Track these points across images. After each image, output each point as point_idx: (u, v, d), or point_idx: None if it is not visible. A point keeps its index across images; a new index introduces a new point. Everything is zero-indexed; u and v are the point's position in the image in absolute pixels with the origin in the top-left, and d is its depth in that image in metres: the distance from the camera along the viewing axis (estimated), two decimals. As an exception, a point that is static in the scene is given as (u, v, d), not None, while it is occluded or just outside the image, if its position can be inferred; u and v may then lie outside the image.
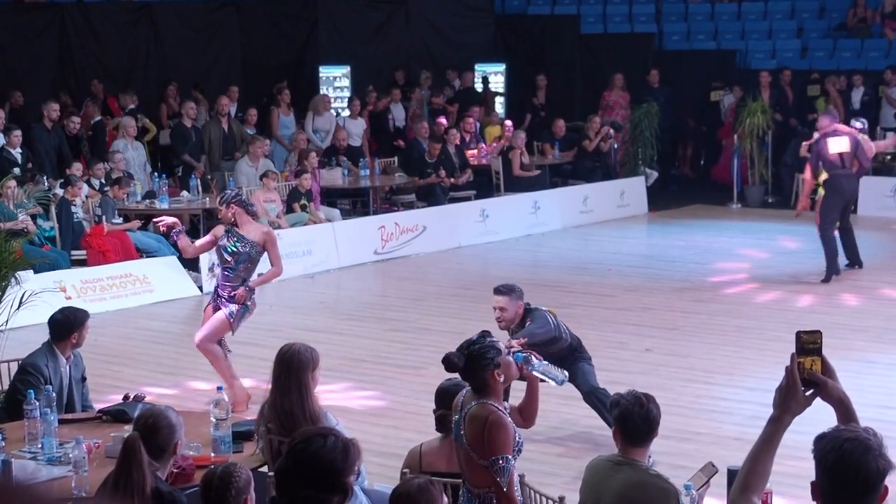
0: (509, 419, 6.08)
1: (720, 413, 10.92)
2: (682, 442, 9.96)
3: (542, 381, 6.66)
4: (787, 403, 3.98)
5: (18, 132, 17.41)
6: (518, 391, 7.32)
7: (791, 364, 3.96)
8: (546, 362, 6.61)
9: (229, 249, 10.96)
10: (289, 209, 17.95)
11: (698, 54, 26.15)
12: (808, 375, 3.96)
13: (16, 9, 23.55)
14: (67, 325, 8.85)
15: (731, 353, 12.89)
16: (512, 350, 6.54)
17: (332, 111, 22.35)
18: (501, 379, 6.12)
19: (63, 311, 9.05)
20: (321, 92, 23.75)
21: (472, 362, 6.10)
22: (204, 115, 21.05)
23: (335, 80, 24.83)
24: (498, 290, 9.99)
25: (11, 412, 8.38)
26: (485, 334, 6.28)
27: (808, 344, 3.97)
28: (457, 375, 6.44)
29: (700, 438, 10.20)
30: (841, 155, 16.08)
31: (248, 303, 11.18)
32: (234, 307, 11.04)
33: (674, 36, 27.41)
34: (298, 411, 7.02)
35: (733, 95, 23.95)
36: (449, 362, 6.17)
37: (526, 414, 6.70)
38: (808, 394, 3.97)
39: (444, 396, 6.89)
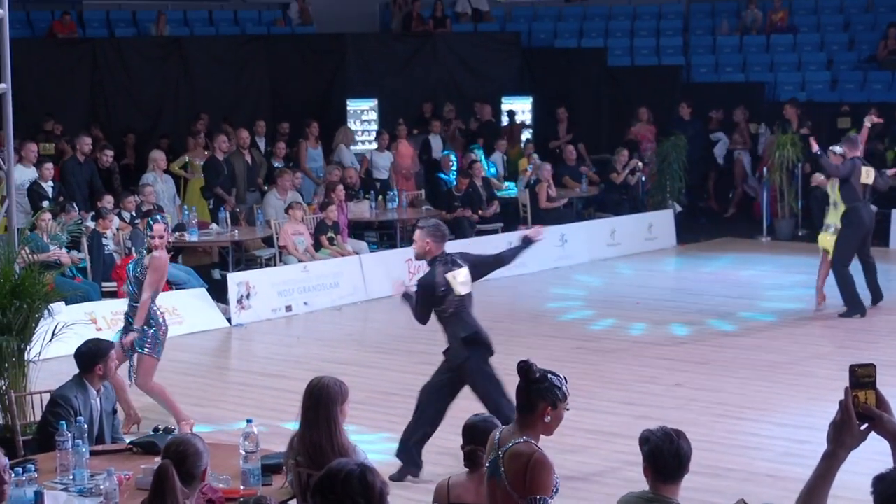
0: (551, 461, 6.05)
1: (752, 449, 10.85)
2: (714, 478, 9.90)
3: None
4: (843, 438, 3.94)
5: (50, 165, 17.53)
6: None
7: (846, 398, 3.91)
8: None
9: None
10: (316, 242, 18.01)
11: (726, 86, 26.14)
12: (862, 409, 3.90)
13: (49, 43, 23.75)
14: (91, 356, 8.90)
15: (763, 388, 12.83)
16: None
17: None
18: (547, 420, 6.07)
19: (87, 342, 9.10)
20: (349, 125, 23.87)
21: (540, 383, 6.06)
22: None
23: (363, 114, 24.92)
24: (418, 226, 10.49)
25: (43, 443, 8.42)
26: (565, 378, 6.24)
27: (863, 377, 3.93)
28: (484, 411, 6.42)
29: (732, 475, 10.14)
30: (864, 186, 15.83)
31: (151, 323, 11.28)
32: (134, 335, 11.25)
33: (702, 68, 27.42)
34: (327, 444, 7.03)
35: (771, 129, 23.77)
36: (526, 366, 6.10)
37: None
38: (862, 428, 3.93)
39: (473, 432, 6.88)
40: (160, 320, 11.44)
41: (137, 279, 11.34)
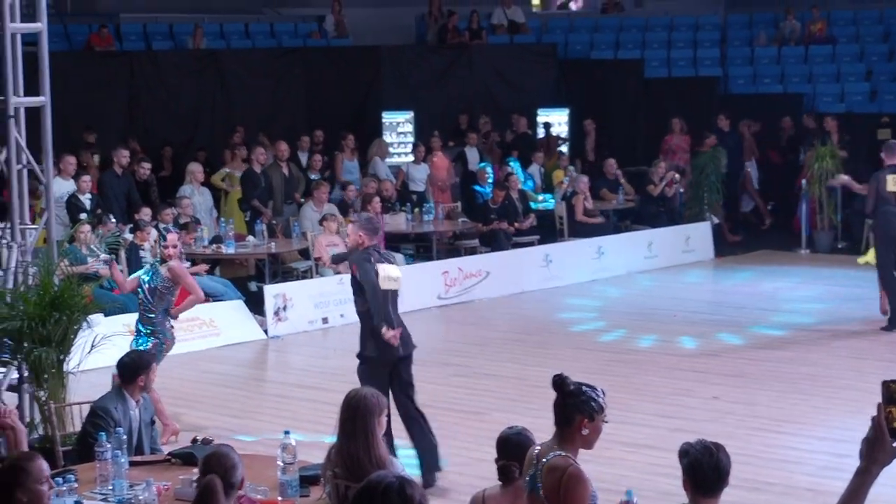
0: (587, 475, 6.04)
1: (791, 463, 10.80)
2: (754, 492, 9.87)
3: None
4: (875, 454, 3.91)
5: (88, 178, 17.63)
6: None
7: (878, 414, 3.89)
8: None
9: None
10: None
11: (764, 98, 26.05)
12: None
13: (87, 57, 23.89)
14: (134, 367, 8.95)
15: (800, 402, 12.77)
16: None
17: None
18: (585, 433, 6.06)
19: (130, 354, 9.16)
20: (385, 137, 23.93)
21: (575, 396, 6.05)
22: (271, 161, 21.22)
23: (398, 126, 24.96)
24: (351, 219, 10.99)
25: (83, 454, 8.47)
26: (602, 390, 6.23)
27: None
28: (518, 424, 6.41)
29: (772, 489, 10.10)
30: (893, 194, 15.70)
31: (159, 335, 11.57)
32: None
33: (739, 80, 27.34)
34: (364, 456, 7.03)
35: (810, 142, 23.61)
36: (560, 380, 6.10)
37: None
38: (895, 444, 3.90)
39: (507, 446, 6.87)
40: (168, 335, 11.76)
41: (154, 290, 11.47)
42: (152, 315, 11.58)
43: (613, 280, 20.15)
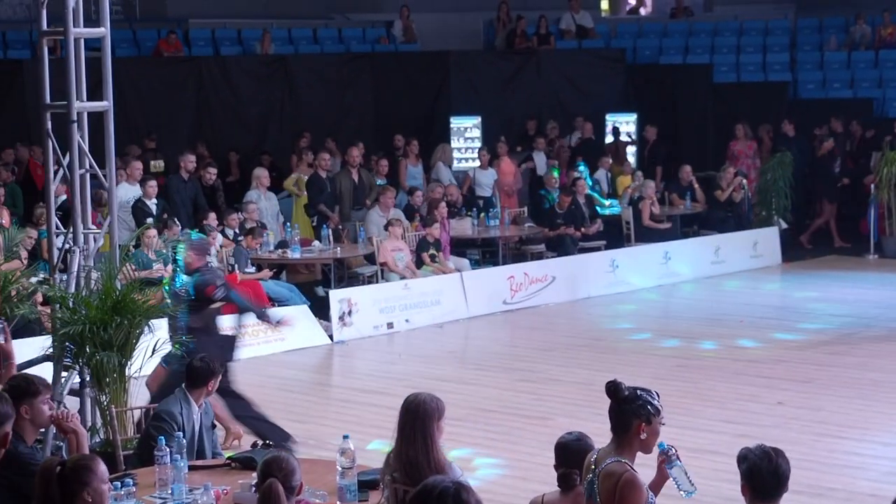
0: (642, 480, 5.98)
1: (854, 468, 10.66)
2: (815, 498, 9.75)
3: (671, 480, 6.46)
4: None
5: (154, 182, 17.73)
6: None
7: None
8: (683, 469, 6.37)
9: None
10: (418, 259, 18.04)
11: (834, 103, 25.77)
12: None
13: (155, 62, 24.06)
14: (205, 372, 8.98)
15: (865, 408, 12.60)
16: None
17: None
18: (643, 437, 6.00)
19: (202, 359, 9.17)
20: (451, 142, 23.91)
21: (631, 401, 6.00)
22: (337, 166, 21.26)
23: (466, 131, 24.93)
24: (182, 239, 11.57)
25: (144, 458, 8.48)
26: (656, 392, 6.17)
27: None
28: (584, 429, 6.36)
29: (833, 494, 9.97)
30: None
31: None
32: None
33: (809, 84, 27.05)
34: (423, 460, 7.01)
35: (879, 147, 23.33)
36: (614, 386, 6.06)
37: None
38: None
39: (566, 452, 6.81)
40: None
41: (176, 294, 11.42)
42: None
43: (680, 285, 20.00)
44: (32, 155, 19.79)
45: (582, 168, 23.00)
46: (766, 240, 21.88)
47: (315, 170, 20.04)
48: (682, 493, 6.29)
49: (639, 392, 6.03)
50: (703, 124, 26.56)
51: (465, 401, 12.78)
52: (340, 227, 19.27)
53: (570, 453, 6.61)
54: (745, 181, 22.44)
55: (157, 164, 20.76)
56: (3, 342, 8.23)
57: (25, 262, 13.39)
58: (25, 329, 12.72)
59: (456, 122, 24.93)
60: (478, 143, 24.50)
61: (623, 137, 25.59)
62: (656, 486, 6.41)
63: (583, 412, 12.10)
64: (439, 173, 22.10)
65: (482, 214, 20.63)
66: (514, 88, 26.17)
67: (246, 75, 24.30)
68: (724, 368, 14.39)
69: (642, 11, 33.52)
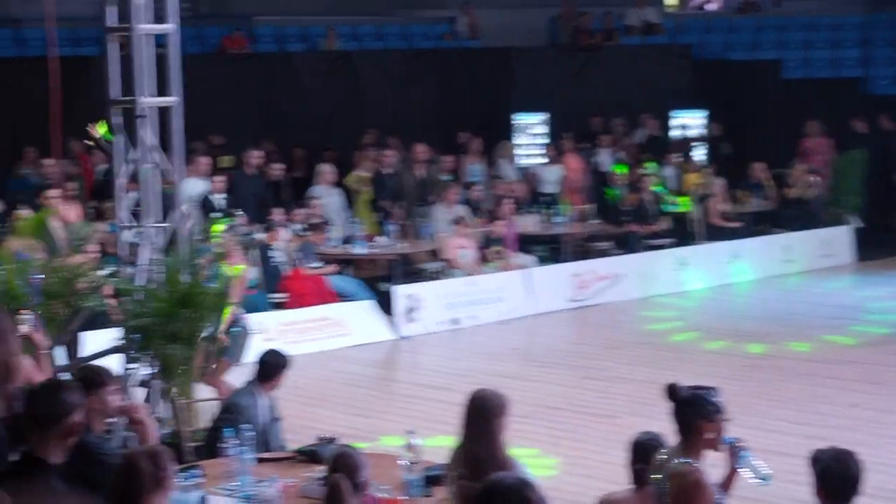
0: (710, 481, 5.92)
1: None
2: (890, 502, 9.61)
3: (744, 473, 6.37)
4: None
5: (221, 178, 17.79)
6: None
7: None
8: (753, 458, 6.28)
9: None
10: (483, 255, 17.99)
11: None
12: None
13: (221, 59, 24.17)
14: (275, 366, 9.04)
15: (941, 410, 12.44)
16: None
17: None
18: (708, 436, 5.95)
19: (272, 352, 9.23)
20: (514, 139, 23.85)
21: (693, 402, 5.95)
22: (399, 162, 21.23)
23: (530, 128, 24.86)
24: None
25: (213, 449, 8.51)
26: (715, 389, 6.11)
27: None
28: (649, 428, 6.32)
29: (906, 498, 9.85)
30: None
31: None
32: None
33: (882, 80, 26.70)
34: (487, 457, 6.97)
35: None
36: (672, 389, 6.01)
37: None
38: None
39: (643, 450, 6.77)
40: None
41: None
42: None
43: (748, 284, 19.81)
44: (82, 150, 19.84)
45: (650, 165, 22.85)
46: (838, 238, 21.63)
47: (378, 166, 20.04)
48: (757, 481, 6.23)
49: (698, 392, 5.98)
50: (772, 121, 26.29)
51: (530, 398, 12.72)
52: (404, 222, 19.26)
53: (647, 451, 6.55)
54: (815, 178, 22.18)
55: (227, 160, 20.84)
56: (34, 333, 8.26)
57: (96, 256, 13.44)
58: (94, 321, 12.80)
59: (519, 119, 24.85)
60: (542, 140, 24.41)
61: (690, 134, 25.39)
62: (727, 482, 6.34)
63: (648, 410, 11.97)
64: (501, 170, 22.04)
65: (548, 211, 20.54)
66: (578, 85, 26.05)
67: (311, 72, 24.35)
68: (795, 369, 14.25)
69: (709, 7, 33.26)
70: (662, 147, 24.24)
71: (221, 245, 11.64)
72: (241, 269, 12.67)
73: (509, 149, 22.79)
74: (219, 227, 12.04)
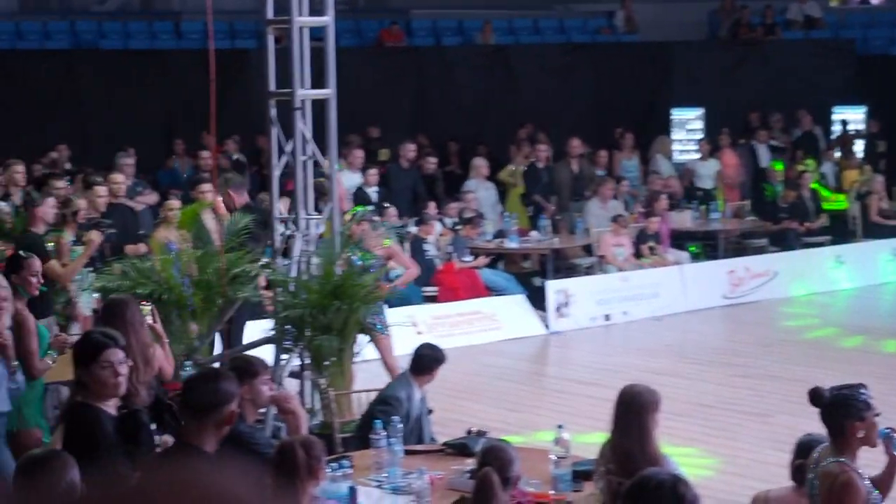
0: (862, 482, 5.81)
1: None
2: None
3: None
4: None
5: (374, 171, 17.91)
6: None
7: None
8: None
9: None
10: (637, 251, 17.86)
11: None
12: None
13: (377, 52, 24.35)
14: (432, 360, 9.09)
15: None
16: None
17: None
18: (861, 435, 5.84)
19: (429, 346, 9.28)
20: (671, 134, 23.63)
21: (838, 404, 5.85)
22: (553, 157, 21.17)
23: (687, 123, 24.61)
24: None
25: (366, 440, 8.55)
26: (860, 385, 6.01)
27: None
28: (803, 427, 6.23)
29: None
30: None
31: None
32: None
33: None
34: (638, 452, 6.93)
35: None
36: (816, 395, 5.93)
37: (880, 488, 6.37)
38: None
39: (804, 449, 6.66)
40: None
41: None
42: None
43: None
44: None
45: (809, 161, 22.46)
46: None
47: (532, 160, 20.02)
48: None
49: (843, 392, 5.87)
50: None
51: (682, 395, 12.59)
52: (558, 217, 19.20)
53: (810, 451, 6.45)
54: None
55: (384, 153, 21.02)
56: (153, 323, 8.43)
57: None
58: (248, 312, 12.99)
59: (677, 114, 24.63)
60: (699, 135, 24.15)
61: (850, 130, 24.91)
62: (887, 477, 6.22)
63: (801, 410, 11.69)
64: (658, 165, 21.85)
65: (702, 207, 20.32)
66: (737, 80, 25.70)
67: (466, 65, 24.41)
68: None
69: (873, 1, 32.60)
70: (812, 144, 23.79)
71: (360, 234, 11.72)
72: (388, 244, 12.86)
73: (667, 144, 22.58)
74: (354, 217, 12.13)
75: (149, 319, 8.25)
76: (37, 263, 9.03)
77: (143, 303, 8.53)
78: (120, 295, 8.77)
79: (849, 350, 15.03)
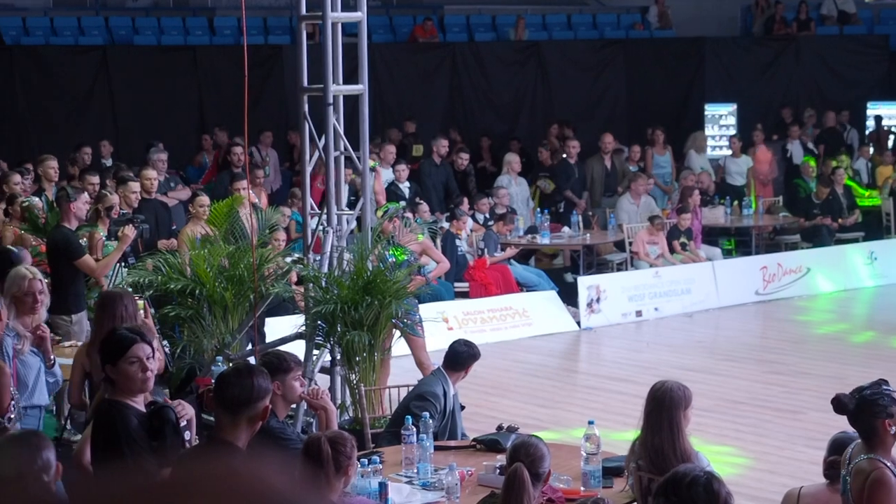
0: (894, 478, 5.79)
1: None
2: None
3: None
4: None
5: (403, 166, 17.91)
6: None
7: None
8: None
9: None
10: (669, 247, 17.83)
11: None
12: None
13: (410, 48, 24.37)
14: (468, 356, 9.09)
15: None
16: None
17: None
18: (893, 430, 5.83)
19: (466, 343, 9.28)
20: (705, 130, 23.56)
21: (863, 407, 5.84)
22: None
23: (720, 118, 24.55)
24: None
25: (395, 436, 8.56)
26: (881, 382, 6.00)
27: None
28: (849, 427, 6.22)
29: None
30: None
31: None
32: None
33: None
34: (669, 449, 6.92)
35: None
36: (839, 403, 5.93)
37: None
38: None
39: (837, 446, 6.65)
40: None
41: None
42: None
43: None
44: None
45: (843, 157, 22.35)
46: None
47: (565, 156, 20.01)
48: None
49: (866, 393, 5.86)
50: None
51: (713, 391, 12.57)
52: (590, 213, 19.18)
53: (844, 448, 6.44)
54: None
55: (417, 148, 21.03)
56: (145, 318, 8.53)
57: (283, 242, 13.68)
58: (280, 307, 13.04)
59: (710, 110, 24.56)
60: (732, 131, 24.08)
61: (885, 126, 24.78)
62: None
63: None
64: (691, 161, 21.79)
65: (735, 203, 20.27)
66: (771, 75, 25.62)
67: (499, 61, 24.41)
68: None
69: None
70: (835, 141, 23.67)
71: (391, 231, 11.76)
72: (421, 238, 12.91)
73: (700, 140, 22.49)
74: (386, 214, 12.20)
75: (141, 314, 8.38)
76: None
77: (137, 297, 8.61)
78: (115, 289, 8.87)
79: (883, 347, 14.96)
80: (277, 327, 12.32)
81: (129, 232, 11.61)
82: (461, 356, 9.09)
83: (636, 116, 24.19)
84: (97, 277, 11.56)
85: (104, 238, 12.04)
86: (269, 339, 11.52)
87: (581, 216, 18.64)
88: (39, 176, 14.86)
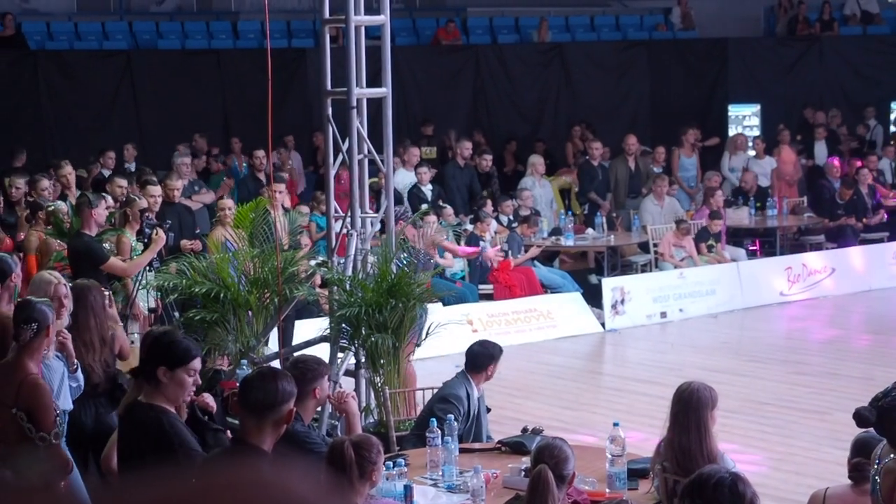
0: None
1: None
2: None
3: None
4: None
5: (425, 169, 17.92)
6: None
7: None
8: None
9: None
10: (696, 249, 17.80)
11: None
12: None
13: (434, 50, 24.39)
14: (487, 357, 9.09)
15: None
16: None
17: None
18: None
19: (483, 343, 9.29)
20: (729, 131, 23.52)
21: (885, 416, 5.82)
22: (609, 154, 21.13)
23: (744, 119, 24.49)
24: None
25: (420, 439, 8.57)
26: (895, 387, 5.97)
27: None
28: (853, 425, 6.19)
29: None
30: None
31: None
32: None
33: None
34: (696, 450, 6.92)
35: None
36: (860, 417, 5.90)
37: None
38: None
39: (861, 447, 6.63)
40: None
41: None
42: None
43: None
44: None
45: (867, 158, 22.28)
46: None
47: (588, 158, 20.00)
48: None
49: (883, 403, 5.83)
50: None
51: (739, 392, 12.54)
52: (614, 214, 19.17)
53: (869, 448, 6.42)
54: None
55: (429, 151, 21.04)
56: (110, 307, 8.87)
57: (307, 246, 13.71)
58: (304, 310, 13.07)
59: (734, 111, 24.52)
60: (756, 132, 24.03)
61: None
62: None
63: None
64: (731, 164, 21.70)
65: (759, 204, 20.23)
66: (794, 76, 25.58)
67: (522, 63, 24.42)
68: None
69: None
70: (865, 138, 23.63)
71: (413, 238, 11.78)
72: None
73: (740, 142, 22.26)
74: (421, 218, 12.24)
75: (108, 304, 8.76)
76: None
77: (102, 289, 8.97)
78: (83, 281, 9.03)
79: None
80: (302, 330, 12.35)
81: (162, 235, 11.69)
82: (479, 357, 9.09)
83: (659, 118, 24.17)
84: (128, 276, 11.66)
85: (132, 242, 12.09)
86: (294, 342, 11.54)
87: (605, 218, 18.62)
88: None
